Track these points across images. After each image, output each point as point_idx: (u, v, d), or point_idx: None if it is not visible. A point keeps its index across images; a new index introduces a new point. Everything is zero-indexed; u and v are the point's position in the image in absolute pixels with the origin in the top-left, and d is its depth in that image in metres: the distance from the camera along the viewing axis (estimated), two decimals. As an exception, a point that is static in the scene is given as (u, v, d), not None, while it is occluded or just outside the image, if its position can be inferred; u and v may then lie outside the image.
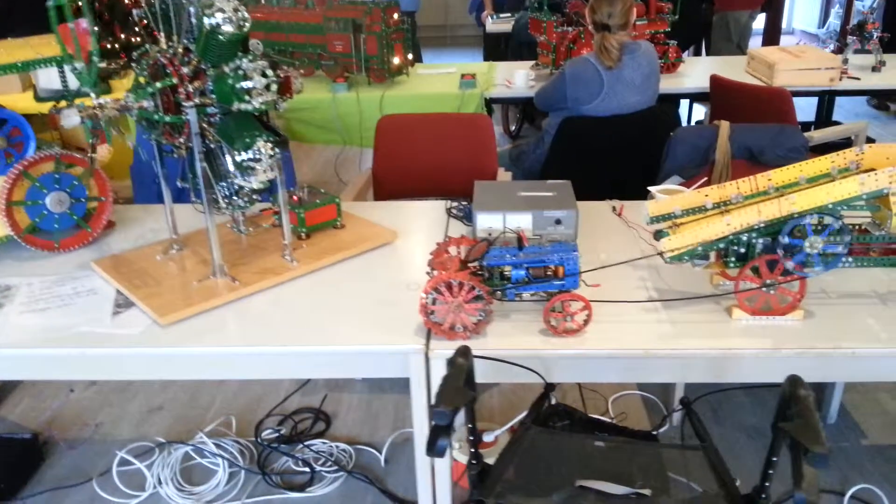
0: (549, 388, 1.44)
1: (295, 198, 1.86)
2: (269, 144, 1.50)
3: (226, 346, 1.44)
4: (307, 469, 2.22)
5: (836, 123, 3.46)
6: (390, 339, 1.43)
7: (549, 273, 1.42)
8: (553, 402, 1.48)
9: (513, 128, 5.59)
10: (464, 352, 1.16)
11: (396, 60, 3.38)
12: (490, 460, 1.31)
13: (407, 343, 1.41)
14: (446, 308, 1.39)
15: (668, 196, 1.87)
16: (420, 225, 1.95)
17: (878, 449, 2.24)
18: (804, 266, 1.39)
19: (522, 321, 1.46)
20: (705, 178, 2.23)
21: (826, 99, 3.48)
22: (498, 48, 5.71)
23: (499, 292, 1.43)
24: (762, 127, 2.46)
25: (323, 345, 1.43)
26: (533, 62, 3.76)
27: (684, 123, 4.32)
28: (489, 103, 3.44)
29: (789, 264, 1.37)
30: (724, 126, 2.42)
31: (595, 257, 1.72)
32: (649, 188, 1.98)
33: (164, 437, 2.35)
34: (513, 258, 1.42)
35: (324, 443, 2.31)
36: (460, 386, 1.08)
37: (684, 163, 2.47)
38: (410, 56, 3.51)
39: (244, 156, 1.49)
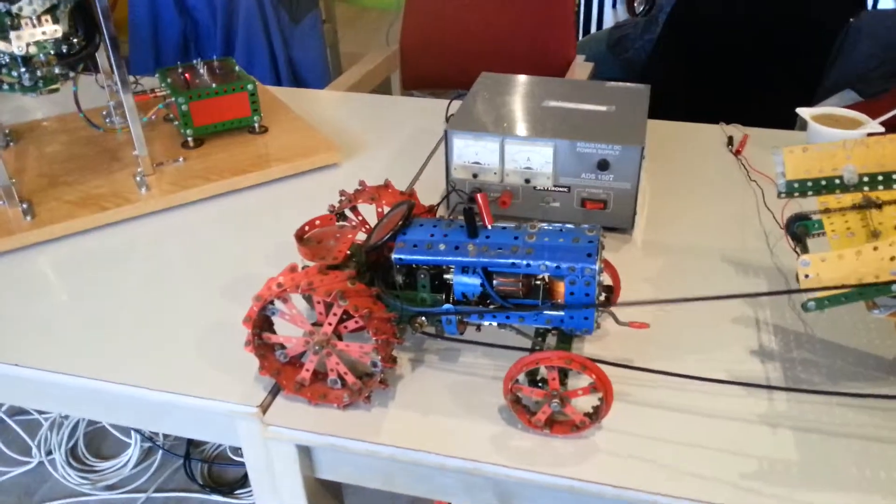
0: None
1: (187, 76, 1.14)
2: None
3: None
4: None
5: None
6: (215, 383, 0.72)
7: (535, 284, 0.66)
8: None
9: (641, 9, 4.52)
10: None
11: None
12: None
13: (234, 397, 0.70)
14: (304, 341, 0.66)
15: (829, 128, 1.02)
16: (397, 139, 1.19)
17: None
18: None
19: (468, 379, 0.71)
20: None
21: None
22: None
23: (422, 318, 0.67)
24: None
25: (103, 376, 0.73)
26: None
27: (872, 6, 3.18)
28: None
29: None
30: (949, 12, 1.46)
31: (660, 240, 0.92)
32: (799, 110, 1.12)
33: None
34: (455, 252, 0.65)
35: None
36: None
37: (866, 69, 1.54)
38: None
39: (-20, -10, 0.77)
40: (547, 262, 0.62)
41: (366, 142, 1.18)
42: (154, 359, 0.75)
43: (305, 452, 0.70)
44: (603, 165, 0.87)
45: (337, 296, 0.61)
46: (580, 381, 0.64)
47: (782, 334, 0.76)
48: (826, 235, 0.70)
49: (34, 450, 1.62)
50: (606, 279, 0.76)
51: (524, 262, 0.63)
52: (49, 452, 1.63)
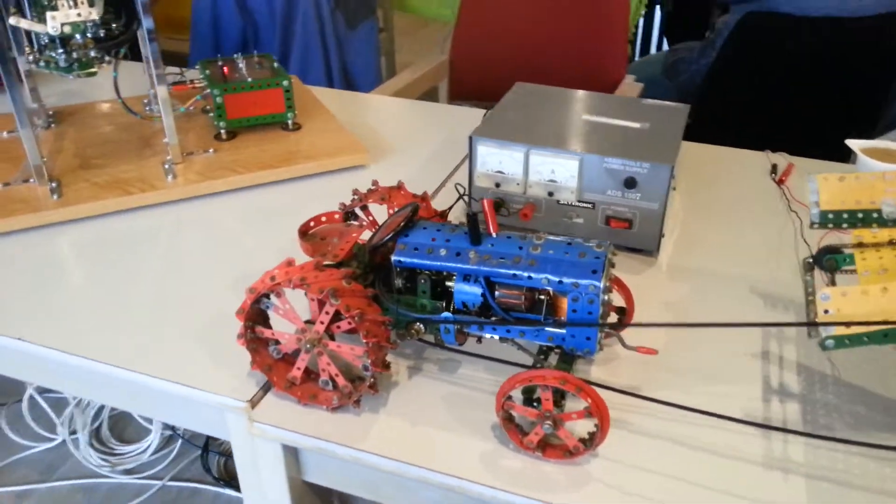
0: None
1: (225, 69, 1.15)
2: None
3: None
4: (257, 457, 1.60)
5: None
6: (209, 374, 0.71)
7: (539, 298, 0.63)
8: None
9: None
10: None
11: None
12: None
13: (225, 390, 0.69)
14: (296, 338, 0.64)
15: (879, 161, 0.97)
16: (430, 146, 1.17)
17: None
18: None
19: (465, 392, 0.68)
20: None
21: None
22: None
23: (419, 325, 0.65)
24: None
25: (103, 357, 0.73)
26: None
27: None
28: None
29: None
30: None
31: (687, 265, 0.88)
32: (849, 141, 1.06)
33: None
34: (456, 259, 0.63)
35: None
36: None
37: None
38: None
39: (18, -32, 0.78)
40: (549, 276, 0.60)
41: (399, 146, 1.16)
42: (155, 345, 0.74)
43: (292, 453, 0.69)
44: (630, 183, 0.84)
45: (329, 294, 0.59)
46: (578, 404, 0.60)
47: (806, 374, 0.71)
48: (857, 272, 0.66)
49: (59, 428, 1.65)
50: (619, 300, 0.72)
51: (525, 275, 0.60)
52: (73, 432, 1.65)
